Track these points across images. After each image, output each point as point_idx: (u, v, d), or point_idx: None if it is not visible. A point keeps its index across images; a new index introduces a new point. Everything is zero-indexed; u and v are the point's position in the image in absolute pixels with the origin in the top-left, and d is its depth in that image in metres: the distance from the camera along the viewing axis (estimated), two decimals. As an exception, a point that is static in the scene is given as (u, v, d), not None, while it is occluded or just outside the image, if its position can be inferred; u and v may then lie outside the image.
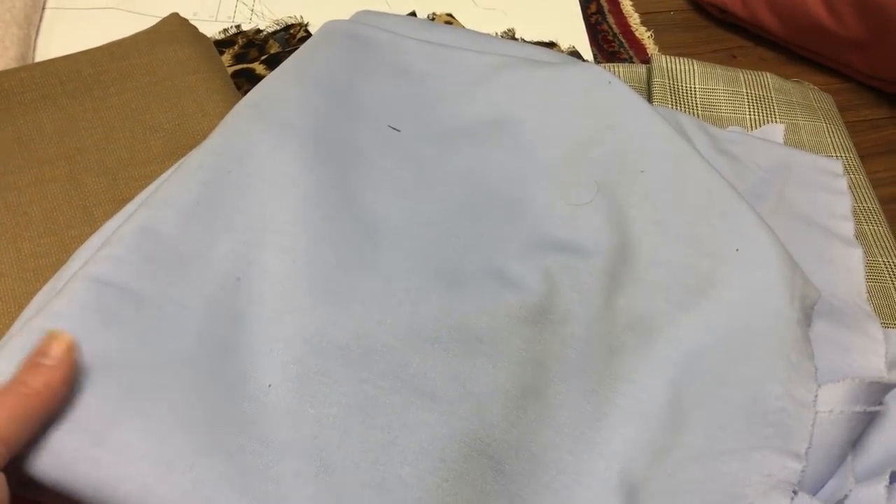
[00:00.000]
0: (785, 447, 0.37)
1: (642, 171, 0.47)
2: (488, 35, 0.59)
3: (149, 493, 0.30)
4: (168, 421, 0.32)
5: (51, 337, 0.30)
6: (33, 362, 0.29)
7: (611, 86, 0.50)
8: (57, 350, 0.30)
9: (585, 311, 0.41)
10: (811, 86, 0.64)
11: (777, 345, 0.41)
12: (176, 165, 0.45)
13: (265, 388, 0.35)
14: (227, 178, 0.41)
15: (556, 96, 0.50)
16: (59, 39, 0.63)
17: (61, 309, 0.33)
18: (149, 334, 0.34)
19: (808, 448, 0.37)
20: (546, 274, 0.42)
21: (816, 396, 0.39)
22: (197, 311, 0.36)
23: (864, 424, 0.40)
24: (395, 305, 0.39)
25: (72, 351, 0.31)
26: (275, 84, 0.47)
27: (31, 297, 0.42)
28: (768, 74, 0.62)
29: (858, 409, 0.39)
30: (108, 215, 0.47)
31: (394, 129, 0.48)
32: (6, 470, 0.27)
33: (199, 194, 0.39)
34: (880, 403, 0.41)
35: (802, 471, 0.36)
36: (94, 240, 0.42)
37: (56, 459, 0.29)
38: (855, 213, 0.55)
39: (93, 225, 0.46)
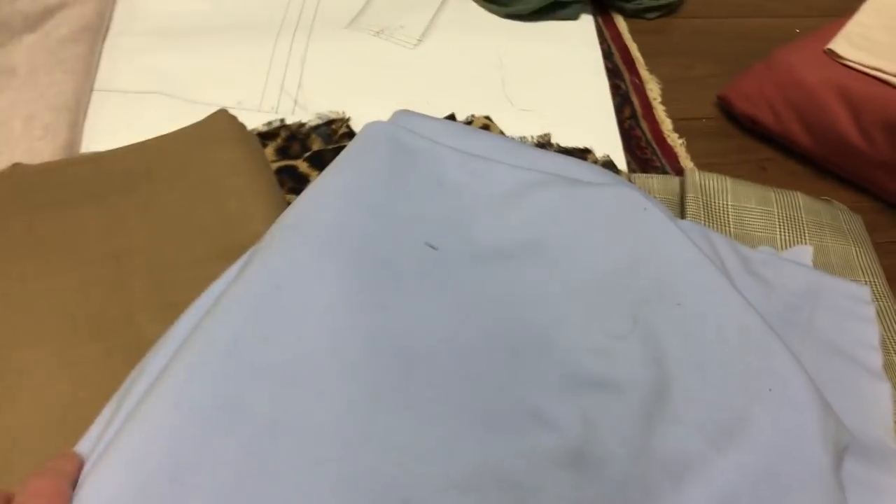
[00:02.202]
0: None
1: (679, 304, 0.47)
2: (523, 144, 0.60)
3: None
4: None
5: None
6: None
7: (646, 213, 0.51)
8: None
9: (621, 453, 0.42)
10: (841, 206, 0.65)
11: (808, 492, 0.41)
12: (224, 275, 0.46)
13: None
14: (267, 311, 0.42)
15: (591, 220, 0.51)
16: (105, 123, 0.64)
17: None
18: (184, 497, 0.35)
19: None
20: (583, 414, 0.42)
21: (848, 549, 0.40)
22: (233, 464, 0.37)
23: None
24: (430, 451, 0.39)
25: None
26: (315, 200, 0.48)
27: (78, 407, 0.44)
28: (799, 194, 0.63)
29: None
30: (151, 320, 0.48)
31: (431, 246, 0.49)
32: None
33: (238, 333, 0.40)
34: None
35: None
36: (147, 372, 0.42)
37: None
38: (883, 343, 0.56)
39: (136, 330, 0.47)
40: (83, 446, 0.39)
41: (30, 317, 0.47)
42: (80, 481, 0.35)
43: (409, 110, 0.61)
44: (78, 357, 0.46)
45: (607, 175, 0.56)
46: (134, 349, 0.45)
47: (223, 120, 0.58)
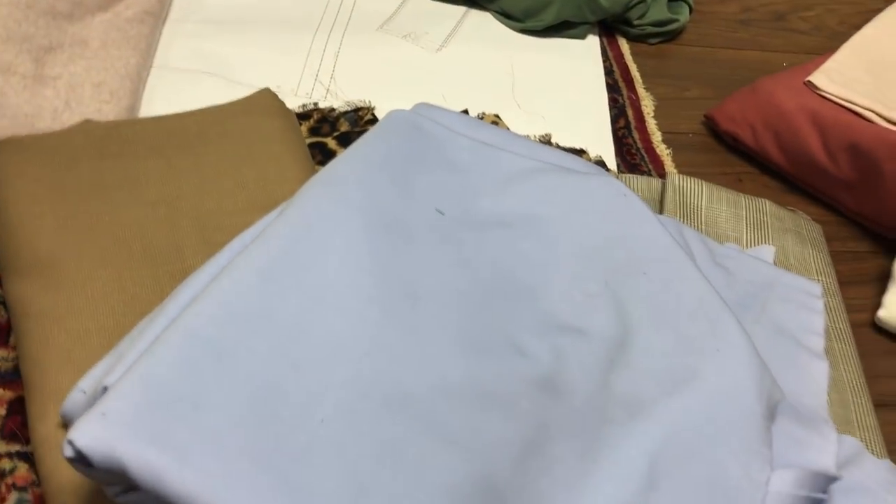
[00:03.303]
0: (736, 517, 0.45)
1: (645, 274, 0.55)
2: (527, 139, 0.69)
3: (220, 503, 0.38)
4: (235, 449, 0.40)
5: None
6: None
7: (626, 198, 0.59)
8: None
9: (584, 385, 0.50)
10: (804, 215, 0.74)
11: (740, 433, 0.49)
12: (260, 222, 0.55)
13: (318, 422, 0.43)
14: (299, 245, 0.50)
15: (579, 201, 0.59)
16: (161, 95, 0.73)
17: (161, 357, 0.42)
18: (226, 379, 0.43)
19: (756, 520, 0.45)
20: (556, 351, 0.50)
21: (769, 479, 0.47)
22: (264, 356, 0.45)
23: (806, 508, 0.48)
24: (427, 364, 0.47)
25: None
26: (344, 166, 0.56)
27: (128, 319, 0.52)
28: (767, 201, 0.72)
29: (803, 493, 0.47)
30: (196, 255, 0.56)
31: (440, 212, 0.57)
32: None
33: (276, 259, 0.49)
34: (825, 493, 0.49)
35: (747, 536, 0.44)
36: (189, 289, 0.50)
37: (149, 471, 0.37)
38: (827, 332, 0.63)
39: (183, 262, 0.56)
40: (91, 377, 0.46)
41: (93, 243, 0.55)
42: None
43: (428, 103, 0.69)
44: (131, 279, 0.54)
45: (595, 168, 0.65)
46: (179, 276, 0.54)
47: (267, 96, 0.67)
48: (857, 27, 0.91)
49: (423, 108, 0.68)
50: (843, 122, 0.77)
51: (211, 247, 0.55)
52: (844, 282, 0.72)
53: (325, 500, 0.41)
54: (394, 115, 0.63)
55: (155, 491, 0.38)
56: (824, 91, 0.81)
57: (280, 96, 0.72)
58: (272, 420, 0.43)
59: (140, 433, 0.38)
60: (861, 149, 0.74)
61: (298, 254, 0.50)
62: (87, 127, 0.62)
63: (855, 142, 0.75)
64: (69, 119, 0.65)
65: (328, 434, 0.43)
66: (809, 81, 0.82)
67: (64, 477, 0.46)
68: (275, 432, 0.42)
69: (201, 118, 0.63)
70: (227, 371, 0.44)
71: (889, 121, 0.79)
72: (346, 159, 0.58)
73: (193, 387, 0.42)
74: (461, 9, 0.92)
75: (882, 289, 0.70)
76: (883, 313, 0.68)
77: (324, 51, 0.82)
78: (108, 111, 0.67)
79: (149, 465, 0.37)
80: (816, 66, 0.85)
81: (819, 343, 0.62)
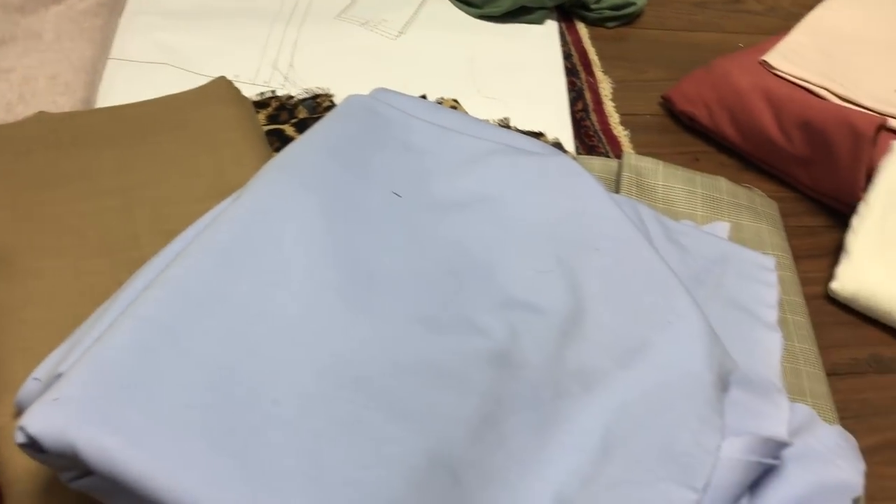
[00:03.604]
0: (685, 482, 0.46)
1: (597, 250, 0.56)
2: (485, 122, 0.69)
3: (172, 485, 0.39)
4: (189, 431, 0.41)
5: None
6: None
7: (580, 177, 0.60)
8: None
9: (539, 360, 0.50)
10: (759, 192, 0.75)
11: (692, 401, 0.50)
12: (215, 209, 0.55)
13: (272, 403, 0.44)
14: (254, 229, 0.50)
15: (534, 181, 0.60)
16: (119, 87, 0.73)
17: (114, 341, 0.42)
18: (179, 362, 0.43)
19: (707, 485, 0.46)
20: (510, 326, 0.51)
21: (720, 446, 0.48)
22: (219, 340, 0.45)
23: (757, 472, 0.49)
24: (382, 343, 0.48)
25: None
26: (299, 150, 0.57)
27: (84, 309, 0.51)
28: (722, 179, 0.73)
29: (753, 458, 0.48)
30: (153, 244, 0.56)
31: (396, 195, 0.58)
32: None
33: (230, 243, 0.49)
34: (776, 459, 0.50)
35: (697, 501, 0.45)
36: (143, 275, 0.50)
37: (101, 454, 0.37)
38: (781, 304, 0.65)
39: (139, 251, 0.56)
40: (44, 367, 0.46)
41: (49, 233, 0.55)
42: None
43: (386, 88, 0.70)
44: (87, 268, 0.54)
45: (548, 148, 0.66)
46: (135, 265, 0.53)
47: (222, 85, 0.67)
48: (811, 8, 0.92)
49: (380, 93, 0.69)
50: (796, 99, 0.78)
51: (167, 235, 0.55)
52: (800, 256, 0.73)
53: (281, 477, 0.41)
54: (351, 99, 0.64)
55: (108, 474, 0.38)
56: (779, 70, 0.83)
57: (239, 85, 0.72)
58: (226, 401, 0.43)
59: (92, 417, 0.38)
60: (814, 125, 0.75)
61: (253, 237, 0.50)
62: (41, 117, 0.62)
63: (808, 119, 0.76)
64: (23, 112, 0.65)
65: (283, 413, 0.43)
66: (764, 61, 0.84)
67: (20, 466, 0.46)
68: (229, 413, 0.43)
69: (156, 107, 0.63)
70: (181, 354, 0.44)
71: (842, 98, 0.81)
72: (301, 144, 0.58)
73: (146, 370, 0.42)
74: (420, -5, 0.93)
75: (836, 262, 0.71)
76: (836, 285, 0.70)
77: (282, 40, 0.82)
78: (63, 103, 0.67)
79: (101, 449, 0.37)
80: (771, 45, 0.86)
81: (772, 315, 0.63)
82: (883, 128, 0.74)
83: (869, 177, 0.74)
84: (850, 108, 0.76)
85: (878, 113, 0.78)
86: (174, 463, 0.39)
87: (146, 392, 0.42)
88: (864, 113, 0.74)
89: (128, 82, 0.74)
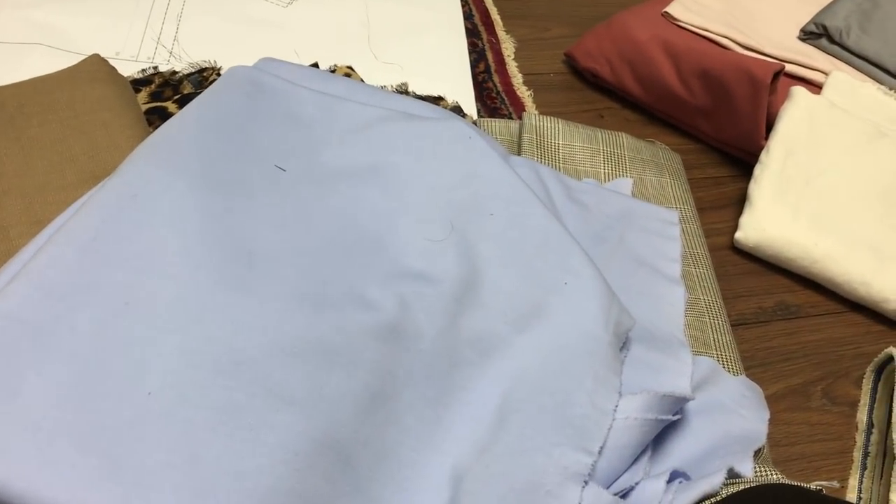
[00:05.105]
0: (581, 445, 0.45)
1: (491, 214, 0.55)
2: (378, 88, 0.67)
3: (36, 489, 0.37)
4: (55, 432, 0.39)
5: None
6: None
7: (471, 140, 0.58)
8: None
9: (432, 330, 0.49)
10: (662, 146, 0.74)
11: (587, 362, 0.49)
12: (87, 195, 0.52)
13: (145, 396, 0.41)
14: (123, 214, 0.48)
15: (425, 147, 0.58)
16: (-14, 71, 0.69)
17: None
18: (42, 360, 0.41)
19: (603, 447, 0.45)
20: (400, 298, 0.49)
21: (617, 406, 0.48)
22: (87, 333, 0.43)
23: (656, 430, 0.48)
24: (263, 324, 0.46)
25: None
26: (174, 127, 0.54)
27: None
28: (624, 135, 0.72)
29: (651, 416, 0.48)
30: (23, 235, 0.53)
31: (280, 168, 0.56)
32: None
33: (96, 230, 0.46)
34: (676, 415, 0.50)
35: (593, 465, 0.44)
36: (11, 267, 0.48)
37: None
38: (685, 257, 0.64)
39: (9, 243, 0.52)
40: None
41: None
42: None
43: (272, 58, 0.67)
44: (-48, 265, 0.51)
45: (442, 112, 0.64)
46: (4, 258, 0.51)
47: (94, 62, 0.63)
48: (712, -43, 0.91)
49: (265, 63, 0.66)
50: (695, 49, 0.77)
51: (40, 225, 0.52)
52: (705, 207, 0.73)
53: (154, 473, 0.39)
54: (232, 71, 0.61)
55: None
56: (681, 21, 0.82)
57: (120, 63, 0.68)
58: (96, 398, 0.41)
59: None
60: (712, 75, 0.75)
61: (121, 223, 0.47)
62: None
63: (706, 68, 0.76)
64: None
65: (156, 406, 0.41)
66: (666, 13, 0.83)
67: None
68: (99, 410, 0.40)
69: (21, 90, 0.59)
70: (46, 352, 0.42)
71: (743, 46, 0.81)
72: (177, 121, 0.55)
73: (7, 372, 0.40)
74: (314, -39, 0.89)
75: (741, 212, 0.71)
76: (740, 235, 0.70)
77: (165, 13, 0.78)
78: (-78, 91, 0.62)
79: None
80: (672, -3, 0.85)
81: (675, 269, 0.62)
82: (782, 74, 0.74)
83: (770, 125, 0.74)
84: (748, 56, 0.76)
85: (780, 59, 0.78)
86: (37, 467, 0.38)
87: (9, 395, 0.40)
88: (762, 60, 0.73)
89: (-2, 65, 0.70)
